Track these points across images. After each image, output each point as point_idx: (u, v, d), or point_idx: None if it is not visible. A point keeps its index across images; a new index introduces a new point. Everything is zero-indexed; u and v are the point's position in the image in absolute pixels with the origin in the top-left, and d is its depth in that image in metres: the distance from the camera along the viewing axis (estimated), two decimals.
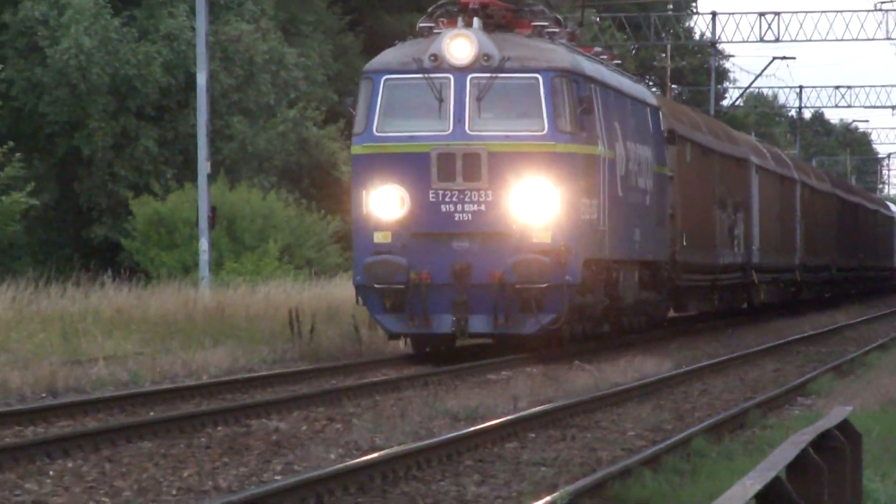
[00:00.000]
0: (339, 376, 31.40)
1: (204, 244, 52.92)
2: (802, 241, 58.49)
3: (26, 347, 32.94)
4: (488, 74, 26.45)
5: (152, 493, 16.53)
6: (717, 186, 45.23)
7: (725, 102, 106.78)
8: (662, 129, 39.26)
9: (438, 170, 26.30)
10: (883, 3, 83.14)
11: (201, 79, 54.66)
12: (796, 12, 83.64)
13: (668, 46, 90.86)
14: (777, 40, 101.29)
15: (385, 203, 26.85)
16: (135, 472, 17.99)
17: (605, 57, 36.58)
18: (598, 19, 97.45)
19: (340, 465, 17.42)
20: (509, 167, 26.49)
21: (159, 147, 78.24)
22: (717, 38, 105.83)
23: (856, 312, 61.89)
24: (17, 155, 51.23)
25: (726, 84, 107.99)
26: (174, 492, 16.75)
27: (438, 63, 26.50)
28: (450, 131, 26.62)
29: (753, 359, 38.53)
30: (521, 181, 26.33)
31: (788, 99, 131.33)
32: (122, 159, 75.83)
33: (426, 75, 26.65)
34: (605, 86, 30.52)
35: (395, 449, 18.79)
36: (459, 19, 27.21)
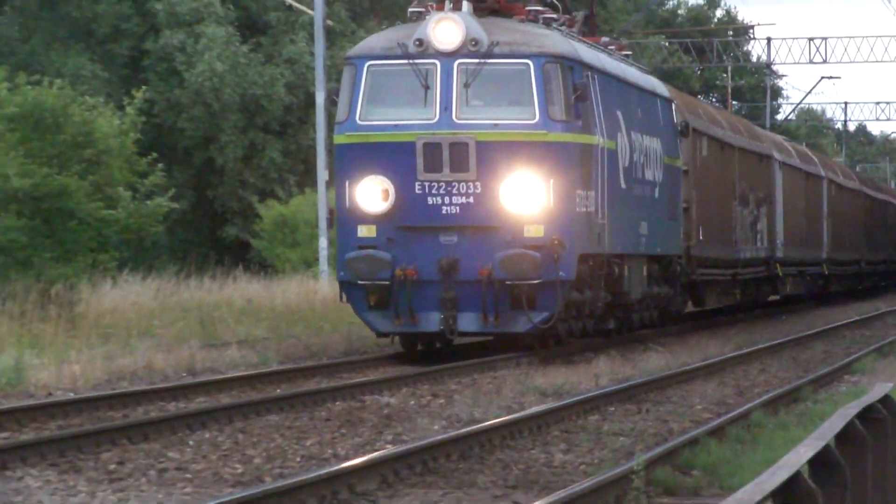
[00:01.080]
0: (441, 358, 28.58)
1: (323, 242, 51.47)
2: (830, 236, 56.37)
3: (169, 333, 32.03)
4: (476, 60, 23.39)
5: (279, 461, 16.80)
6: (738, 181, 42.52)
7: (779, 117, 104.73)
8: (676, 121, 35.34)
9: (424, 160, 23.20)
10: None
11: (319, 98, 53.33)
12: (841, 37, 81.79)
13: (729, 68, 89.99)
14: (825, 62, 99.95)
15: (369, 195, 23.75)
16: (264, 441, 18.36)
17: (612, 47, 33.14)
18: (667, 43, 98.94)
19: (443, 436, 17.44)
20: (499, 157, 23.28)
21: (283, 157, 78.03)
22: (771, 60, 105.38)
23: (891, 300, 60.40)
24: (160, 165, 49.42)
25: (780, 101, 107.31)
26: (298, 459, 17.01)
27: (424, 48, 23.40)
28: (436, 119, 23.35)
29: (805, 342, 37.70)
30: (512, 172, 23.17)
31: (835, 113, 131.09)
32: (251, 168, 75.67)
33: (411, 61, 23.77)
34: (605, 74, 27.18)
35: (492, 421, 18.75)
36: (447, 3, 24.39)
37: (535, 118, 22.85)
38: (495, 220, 22.69)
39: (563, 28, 26.61)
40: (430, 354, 28.74)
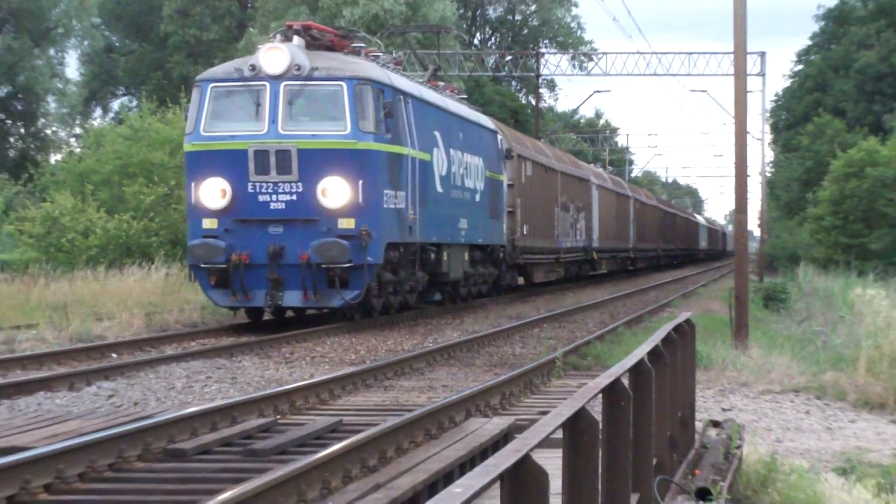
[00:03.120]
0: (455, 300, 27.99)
1: None
2: (635, 233, 55.09)
3: None
4: (300, 82, 18.04)
5: (374, 352, 17.01)
6: (560, 194, 36.43)
7: (634, 174, 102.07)
8: (500, 147, 28.67)
9: (255, 164, 17.86)
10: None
11: None
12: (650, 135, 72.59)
13: (607, 150, 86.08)
14: (657, 147, 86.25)
15: (211, 194, 18.11)
16: (365, 343, 18.08)
17: (451, 91, 26.70)
18: (574, 136, 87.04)
19: (458, 339, 18.47)
20: (317, 162, 17.92)
21: None
22: (628, 146, 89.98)
23: (683, 272, 66.69)
24: None
25: (633, 166, 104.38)
26: (384, 351, 17.17)
27: (256, 72, 18.11)
28: (265, 131, 17.96)
29: (646, 291, 39.38)
30: (327, 174, 17.77)
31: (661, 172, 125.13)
32: None
33: (246, 83, 18.36)
34: (422, 101, 21.45)
35: (483, 332, 20.15)
36: (279, 35, 19.27)
37: (346, 130, 17.92)
38: (314, 214, 17.81)
39: (388, 64, 21.40)
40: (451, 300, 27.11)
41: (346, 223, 18.05)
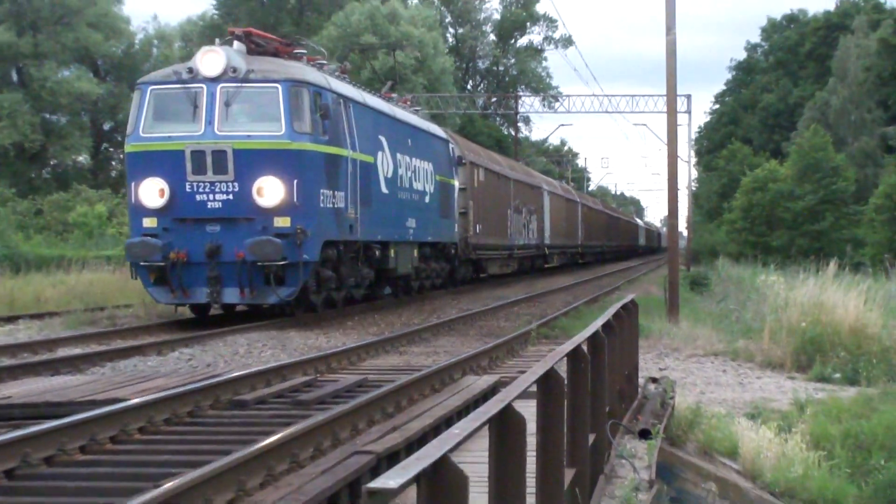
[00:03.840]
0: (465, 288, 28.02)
1: None
2: (583, 233, 51.31)
3: None
4: (236, 84, 15.28)
5: (391, 327, 16.30)
6: (513, 199, 32.31)
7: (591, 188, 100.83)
8: (452, 155, 24.65)
9: (192, 165, 15.09)
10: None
11: None
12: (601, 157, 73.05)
13: (569, 169, 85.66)
14: (608, 168, 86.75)
15: (150, 193, 15.25)
16: (385, 320, 17.57)
17: (403, 102, 22.99)
18: (543, 160, 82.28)
19: (456, 315, 17.89)
20: (252, 162, 15.17)
21: None
22: (586, 166, 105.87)
23: (626, 264, 64.61)
24: None
25: (590, 182, 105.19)
26: (399, 325, 16.58)
27: (194, 75, 15.34)
28: (201, 132, 15.20)
29: (601, 278, 38.41)
30: (263, 174, 15.03)
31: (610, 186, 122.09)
32: None
33: (184, 85, 15.50)
34: (366, 107, 18.15)
35: (476, 309, 19.64)
36: (217, 40, 16.52)
37: (281, 130, 14.91)
38: (250, 213, 14.85)
39: (334, 72, 17.98)
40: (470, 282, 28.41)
41: (282, 222, 15.01)
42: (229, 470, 4.96)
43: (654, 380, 10.74)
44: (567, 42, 69.44)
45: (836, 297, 16.10)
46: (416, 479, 2.58)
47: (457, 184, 25.81)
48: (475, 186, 27.68)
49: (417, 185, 21.60)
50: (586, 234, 53.07)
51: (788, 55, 65.59)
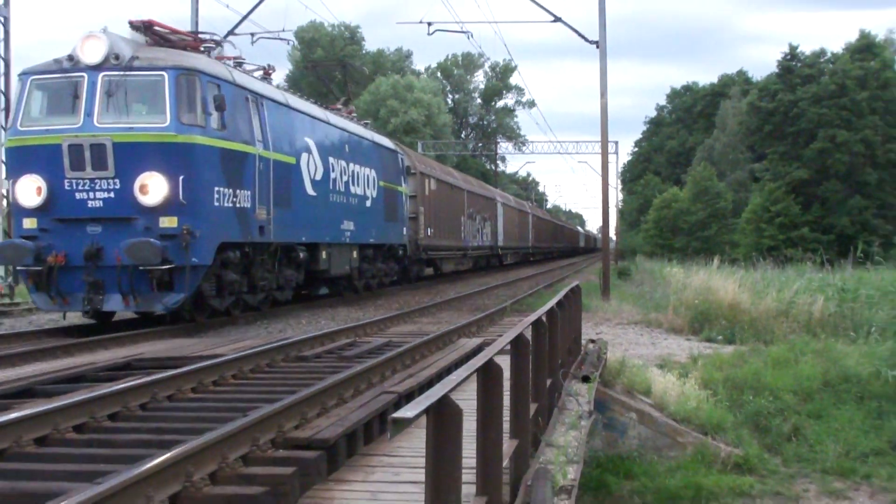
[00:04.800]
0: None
1: None
2: (533, 237, 45.05)
3: None
4: (119, 72, 9.49)
5: (406, 306, 14.84)
6: (467, 207, 27.01)
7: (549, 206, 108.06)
8: (401, 165, 18.96)
9: (70, 160, 9.38)
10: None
11: None
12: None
13: (532, 193, 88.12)
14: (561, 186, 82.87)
15: (27, 192, 9.58)
16: (402, 299, 16.71)
17: (348, 113, 16.97)
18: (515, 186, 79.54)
19: (454, 296, 17.11)
20: (134, 157, 9.38)
21: None
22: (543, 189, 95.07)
23: (571, 261, 57.33)
24: None
25: (546, 200, 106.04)
26: (413, 304, 15.12)
27: (75, 63, 9.50)
28: (80, 124, 9.44)
29: (553, 270, 34.70)
30: (145, 170, 9.36)
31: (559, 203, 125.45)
32: None
33: (65, 74, 9.67)
34: (287, 107, 12.11)
35: (467, 292, 18.67)
36: (105, 27, 10.47)
37: (166, 122, 9.58)
38: (133, 213, 9.57)
39: (254, 72, 12.63)
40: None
41: (168, 222, 10.02)
42: (296, 404, 4.97)
43: (593, 341, 10.64)
44: (531, 104, 70.03)
45: (718, 282, 16.16)
46: (426, 411, 2.58)
47: (405, 190, 20.03)
48: (426, 194, 22.56)
49: (356, 189, 16.24)
50: (536, 238, 48.78)
51: (685, 113, 65.16)
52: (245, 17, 18.92)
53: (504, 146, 62.33)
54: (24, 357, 8.20)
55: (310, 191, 14.11)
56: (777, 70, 39.59)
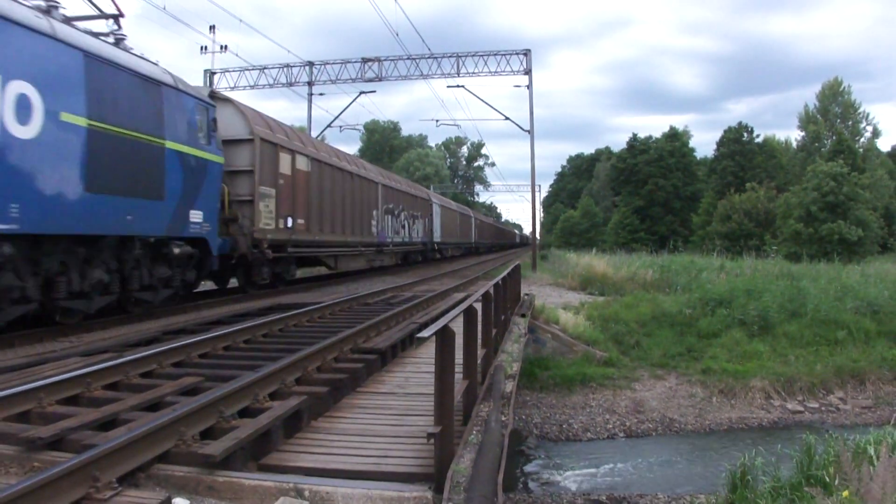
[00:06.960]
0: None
1: None
2: (476, 234, 31.98)
3: None
4: None
5: (401, 283, 9.89)
6: (385, 202, 12.95)
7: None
8: (209, 117, 5.24)
9: None
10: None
11: None
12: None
13: (492, 206, 69.96)
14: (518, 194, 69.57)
15: None
16: (405, 279, 11.20)
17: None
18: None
19: (446, 271, 13.21)
20: None
21: None
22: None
23: (512, 252, 40.56)
24: None
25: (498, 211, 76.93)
26: (409, 281, 10.39)
27: None
28: None
29: (492, 259, 22.83)
30: None
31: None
32: None
33: None
34: None
35: (458, 267, 15.04)
36: None
37: None
38: None
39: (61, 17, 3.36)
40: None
41: None
42: (366, 328, 5.06)
43: (527, 294, 10.43)
44: (493, 164, 72.57)
45: (596, 262, 16.81)
46: (436, 333, 2.65)
47: (214, 158, 6.47)
48: (289, 174, 8.53)
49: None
50: (479, 236, 37.21)
51: (577, 169, 67.90)
52: (336, 118, 19.08)
53: (478, 187, 64.16)
54: (210, 304, 7.14)
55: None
56: (626, 146, 43.67)
